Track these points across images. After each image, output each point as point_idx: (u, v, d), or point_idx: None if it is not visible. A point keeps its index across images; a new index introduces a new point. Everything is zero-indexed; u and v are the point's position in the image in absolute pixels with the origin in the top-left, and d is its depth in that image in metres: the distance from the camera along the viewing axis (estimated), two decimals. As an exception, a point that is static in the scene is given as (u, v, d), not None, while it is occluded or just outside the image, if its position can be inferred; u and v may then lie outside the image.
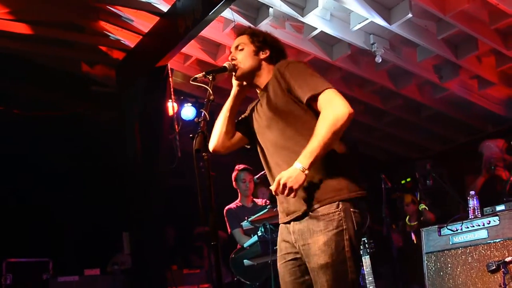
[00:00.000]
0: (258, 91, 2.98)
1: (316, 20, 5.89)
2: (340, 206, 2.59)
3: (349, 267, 2.58)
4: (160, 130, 6.77)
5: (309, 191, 2.62)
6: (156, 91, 6.75)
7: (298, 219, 2.68)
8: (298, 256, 2.72)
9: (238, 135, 2.99)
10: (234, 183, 5.93)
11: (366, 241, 5.09)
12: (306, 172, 2.47)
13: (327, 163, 2.62)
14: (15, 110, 7.12)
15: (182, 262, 8.04)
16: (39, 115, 7.20)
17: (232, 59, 2.90)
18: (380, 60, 6.32)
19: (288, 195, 2.47)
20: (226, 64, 2.88)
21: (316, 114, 2.62)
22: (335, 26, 6.08)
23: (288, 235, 2.76)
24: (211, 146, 2.96)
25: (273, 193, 2.52)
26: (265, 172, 2.92)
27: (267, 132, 2.82)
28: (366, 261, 5.05)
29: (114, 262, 7.14)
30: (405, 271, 6.94)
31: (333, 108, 2.55)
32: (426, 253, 4.68)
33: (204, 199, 2.45)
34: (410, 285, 6.99)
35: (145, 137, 6.74)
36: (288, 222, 2.75)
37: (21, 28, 6.45)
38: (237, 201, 5.93)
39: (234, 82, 2.94)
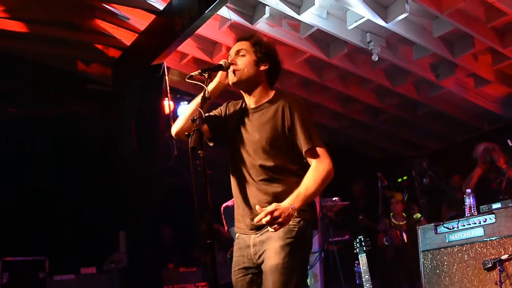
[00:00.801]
0: (248, 98, 2.97)
1: (313, 18, 5.88)
2: (302, 223, 2.77)
3: (295, 276, 2.70)
4: (156, 128, 6.76)
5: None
6: (152, 89, 6.74)
7: (259, 230, 2.79)
8: (255, 270, 2.82)
9: (204, 127, 2.87)
10: None
11: (362, 239, 5.09)
12: (295, 214, 2.64)
13: (294, 185, 2.77)
14: (10, 109, 7.09)
15: (180, 260, 8.01)
16: (34, 114, 7.18)
17: (231, 63, 2.88)
18: (377, 59, 6.32)
19: (274, 228, 2.59)
20: (222, 62, 2.88)
21: (297, 156, 2.83)
22: (331, 24, 6.07)
23: (247, 249, 2.84)
24: (174, 129, 2.98)
25: (256, 219, 2.64)
26: None
27: (253, 150, 2.85)
28: (362, 259, 5.05)
29: (111, 261, 7.12)
30: (397, 269, 6.95)
31: (326, 165, 2.79)
32: (422, 251, 4.69)
33: (200, 197, 2.44)
34: (402, 284, 7.00)
35: (142, 136, 6.73)
36: (249, 235, 2.84)
37: (17, 26, 6.42)
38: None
39: (221, 76, 2.93)
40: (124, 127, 6.96)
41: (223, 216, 5.79)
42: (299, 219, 2.74)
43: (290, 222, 2.67)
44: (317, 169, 2.76)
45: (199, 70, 2.76)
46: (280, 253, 2.67)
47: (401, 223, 7.26)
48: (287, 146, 2.83)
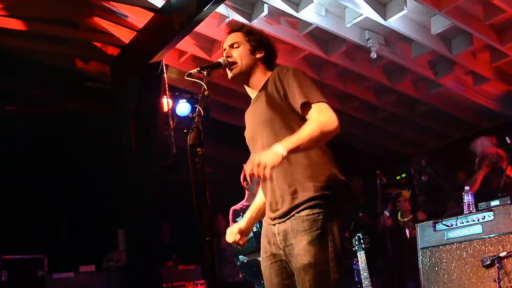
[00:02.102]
0: (250, 90, 2.97)
1: (311, 16, 5.88)
2: (323, 212, 2.63)
3: (332, 267, 2.60)
4: (155, 126, 6.75)
5: (296, 193, 2.67)
6: (151, 87, 6.73)
7: (283, 218, 2.70)
8: (283, 258, 2.74)
9: None
10: (244, 183, 5.83)
11: (361, 236, 5.10)
12: (284, 154, 2.45)
13: (315, 168, 2.68)
14: (8, 107, 7.09)
15: (179, 258, 8.02)
16: (33, 112, 7.18)
17: (228, 56, 2.88)
18: (375, 56, 6.33)
19: (263, 175, 2.41)
20: (220, 60, 2.87)
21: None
22: (330, 22, 6.07)
23: (273, 236, 2.78)
24: None
25: (248, 174, 2.50)
26: None
27: (260, 134, 2.81)
28: (361, 256, 5.05)
29: (109, 259, 7.13)
30: (400, 266, 6.96)
31: (325, 115, 2.60)
32: (421, 248, 4.70)
33: (199, 195, 2.44)
34: (405, 281, 7.01)
35: (140, 134, 6.72)
36: (273, 224, 2.77)
37: (15, 24, 6.41)
38: (243, 201, 5.86)
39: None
40: (123, 125, 6.95)
41: (230, 218, 5.77)
42: (318, 209, 2.61)
43: (313, 211, 2.60)
44: (313, 118, 2.61)
45: (198, 68, 2.75)
46: (310, 250, 2.57)
47: (406, 219, 7.28)
48: (293, 114, 2.71)
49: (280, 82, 2.76)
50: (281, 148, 2.46)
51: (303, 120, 2.67)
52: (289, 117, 2.73)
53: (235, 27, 3.02)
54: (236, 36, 2.94)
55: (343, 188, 2.74)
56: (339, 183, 2.72)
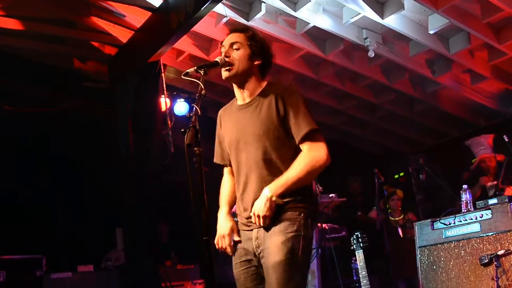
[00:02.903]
0: (239, 92, 2.95)
1: (309, 14, 5.89)
2: (302, 214, 2.74)
3: (299, 270, 2.69)
4: (153, 126, 6.75)
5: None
6: (149, 86, 6.72)
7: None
8: (257, 264, 2.80)
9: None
10: None
11: (359, 235, 5.09)
12: (274, 199, 2.67)
13: None
14: (6, 107, 7.08)
15: (178, 257, 8.02)
16: (31, 112, 7.16)
17: (226, 56, 2.86)
18: (373, 55, 6.33)
19: (264, 223, 2.69)
20: (218, 59, 2.84)
21: (297, 146, 2.79)
22: (327, 21, 6.07)
23: (248, 241, 2.82)
24: None
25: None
26: None
27: (248, 144, 2.83)
28: (359, 255, 5.05)
29: (108, 258, 7.12)
30: (394, 265, 6.95)
31: (316, 151, 2.75)
32: (419, 247, 4.70)
33: (197, 194, 2.44)
34: (398, 279, 7.00)
35: (138, 133, 6.71)
36: (250, 230, 2.82)
37: (13, 24, 6.41)
38: None
39: None
40: (121, 124, 6.95)
41: None
42: (298, 212, 2.72)
43: (291, 216, 2.70)
44: (306, 156, 2.74)
45: (195, 67, 2.74)
46: (282, 249, 2.65)
47: (397, 218, 7.28)
48: (286, 137, 2.80)
49: (283, 103, 2.80)
50: (269, 194, 2.68)
51: (292, 144, 2.78)
52: (282, 139, 2.80)
53: (239, 27, 3.00)
54: (238, 37, 2.90)
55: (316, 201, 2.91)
56: (313, 192, 2.95)
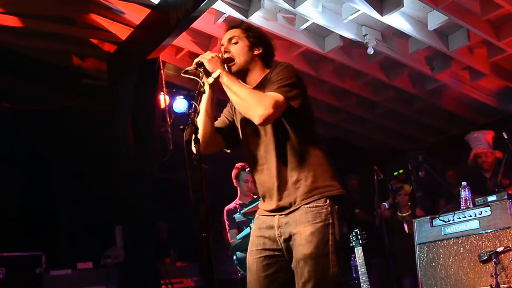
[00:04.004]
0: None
1: (308, 11, 5.87)
2: (328, 201, 2.68)
3: (331, 260, 2.64)
4: (152, 123, 6.74)
5: (299, 187, 2.69)
6: (148, 84, 6.72)
7: (285, 209, 2.72)
8: (277, 253, 2.74)
9: (217, 137, 2.91)
10: (234, 181, 5.84)
11: (358, 232, 5.10)
12: (217, 72, 2.69)
13: (314, 162, 2.73)
14: (5, 104, 7.07)
15: (177, 255, 8.02)
16: (29, 109, 7.16)
17: (226, 52, 2.87)
18: (372, 52, 6.32)
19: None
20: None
21: (297, 120, 2.72)
22: (327, 18, 6.06)
23: (269, 230, 2.77)
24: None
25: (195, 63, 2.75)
26: None
27: (264, 129, 2.79)
28: (358, 252, 5.06)
29: (107, 256, 7.12)
30: (397, 261, 6.97)
31: (267, 100, 2.61)
32: (418, 244, 4.71)
33: (196, 191, 2.43)
34: (402, 276, 7.02)
35: (137, 130, 6.71)
36: (273, 215, 2.76)
37: (11, 21, 6.39)
38: (237, 199, 5.86)
39: (207, 86, 2.81)
40: (120, 122, 6.94)
41: (225, 218, 5.77)
42: (324, 198, 2.67)
43: (317, 204, 2.66)
44: (261, 95, 2.64)
45: (194, 65, 2.75)
46: (312, 241, 2.60)
47: (405, 214, 7.28)
48: (292, 115, 2.72)
49: (271, 77, 2.77)
50: (220, 70, 2.70)
51: (295, 117, 2.71)
52: (290, 117, 2.72)
53: (233, 23, 3.02)
54: (235, 32, 2.93)
55: (341, 185, 2.80)
56: (339, 180, 2.79)
